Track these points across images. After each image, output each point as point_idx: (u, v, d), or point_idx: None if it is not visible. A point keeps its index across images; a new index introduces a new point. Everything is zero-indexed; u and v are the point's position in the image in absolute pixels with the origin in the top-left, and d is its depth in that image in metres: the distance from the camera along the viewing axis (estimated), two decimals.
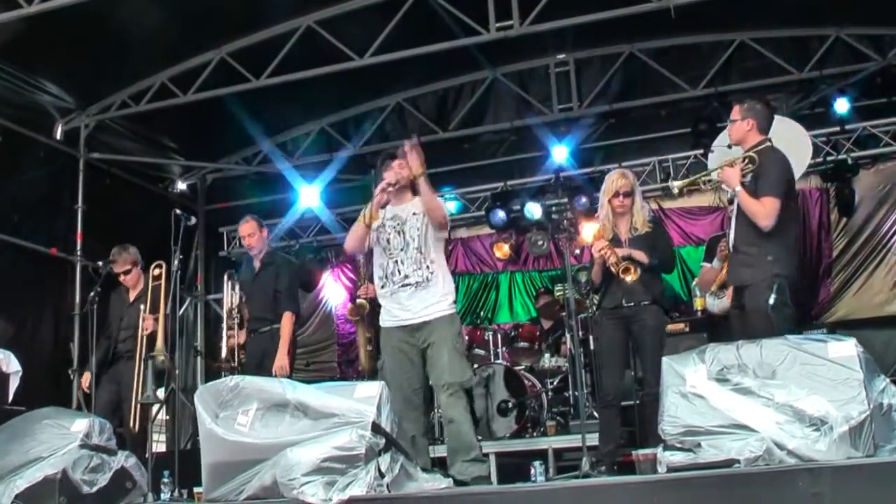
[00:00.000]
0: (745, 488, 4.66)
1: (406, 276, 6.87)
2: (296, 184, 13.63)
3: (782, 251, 6.62)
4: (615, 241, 7.59)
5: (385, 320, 7.00)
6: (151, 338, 8.24)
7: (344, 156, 13.62)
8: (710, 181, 7.73)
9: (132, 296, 9.12)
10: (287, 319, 8.90)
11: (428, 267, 6.85)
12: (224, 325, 9.50)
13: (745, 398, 5.30)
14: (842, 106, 12.05)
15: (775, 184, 6.63)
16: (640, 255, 7.48)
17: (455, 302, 7.01)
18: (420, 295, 6.83)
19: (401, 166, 6.97)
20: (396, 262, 6.93)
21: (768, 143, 6.81)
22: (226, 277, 9.65)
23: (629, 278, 7.33)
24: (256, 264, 9.21)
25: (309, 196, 13.60)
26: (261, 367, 8.67)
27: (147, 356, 7.99)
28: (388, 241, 6.97)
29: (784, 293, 6.46)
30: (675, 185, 7.48)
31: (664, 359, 5.69)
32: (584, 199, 12.32)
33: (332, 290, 14.48)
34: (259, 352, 8.95)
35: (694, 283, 11.31)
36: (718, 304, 9.23)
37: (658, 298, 7.58)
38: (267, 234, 9.44)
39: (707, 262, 9.61)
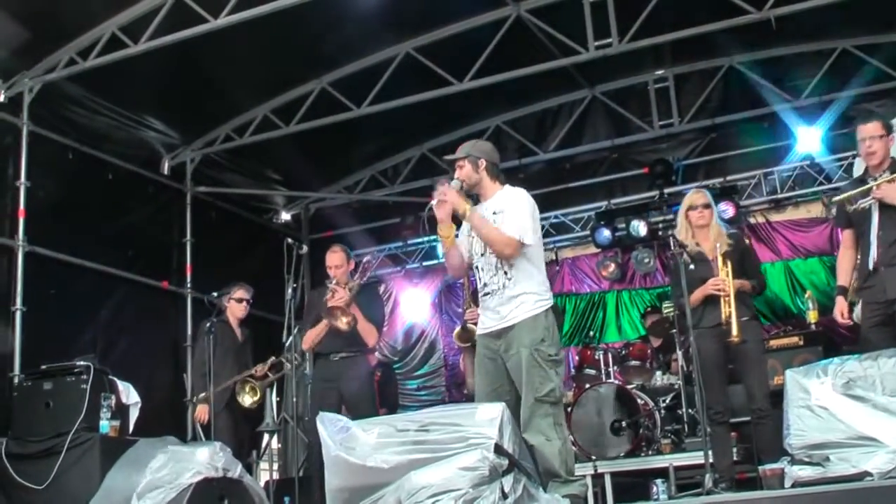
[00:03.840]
0: (880, 502, 4.56)
1: (486, 284, 6.42)
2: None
3: None
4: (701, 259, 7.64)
5: (478, 328, 6.64)
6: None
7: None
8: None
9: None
10: (373, 334, 8.59)
11: (506, 273, 6.30)
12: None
13: (874, 410, 5.23)
14: None
15: None
16: (745, 286, 7.56)
17: (544, 301, 6.34)
18: (499, 302, 6.32)
19: (459, 167, 6.50)
20: (478, 268, 6.51)
21: None
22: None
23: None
24: None
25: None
26: (324, 394, 8.37)
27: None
28: (471, 245, 6.53)
29: None
30: (835, 199, 7.31)
31: (788, 372, 5.64)
32: None
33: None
34: (333, 375, 8.52)
35: (806, 296, 11.15)
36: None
37: (755, 313, 7.64)
38: (353, 267, 8.89)
39: None
